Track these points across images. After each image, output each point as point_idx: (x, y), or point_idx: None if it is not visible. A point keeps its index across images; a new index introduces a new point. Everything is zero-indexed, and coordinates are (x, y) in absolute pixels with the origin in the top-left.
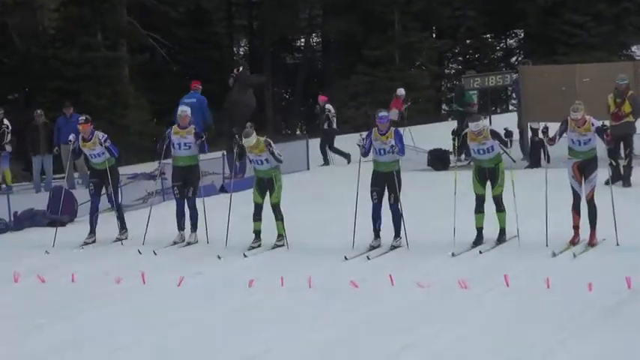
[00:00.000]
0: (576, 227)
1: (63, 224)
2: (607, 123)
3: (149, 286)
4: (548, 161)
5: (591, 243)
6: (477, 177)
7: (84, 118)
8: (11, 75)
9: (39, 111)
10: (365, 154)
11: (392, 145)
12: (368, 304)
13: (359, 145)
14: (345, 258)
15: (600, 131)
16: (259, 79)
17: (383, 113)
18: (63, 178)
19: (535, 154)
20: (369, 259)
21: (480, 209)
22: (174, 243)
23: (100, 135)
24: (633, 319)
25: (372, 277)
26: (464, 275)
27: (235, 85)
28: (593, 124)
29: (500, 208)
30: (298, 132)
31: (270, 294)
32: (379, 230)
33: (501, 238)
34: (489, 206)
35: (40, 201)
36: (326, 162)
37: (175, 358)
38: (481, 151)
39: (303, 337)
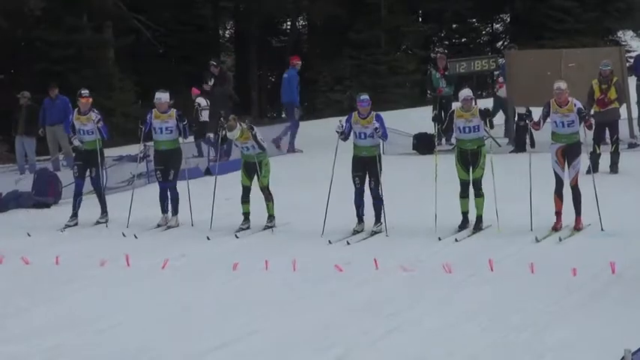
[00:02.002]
0: (558, 213)
1: (48, 206)
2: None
3: (133, 268)
4: (533, 146)
5: (577, 227)
6: (459, 162)
7: (87, 91)
8: None
9: (25, 92)
10: (345, 138)
11: (375, 128)
12: (352, 288)
13: (337, 132)
14: (329, 242)
15: (581, 113)
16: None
17: (364, 96)
18: (48, 159)
19: (520, 138)
20: (348, 243)
21: (464, 194)
22: (158, 226)
23: (94, 115)
24: (617, 303)
25: (357, 261)
26: (448, 260)
27: (217, 81)
28: (575, 105)
29: (479, 193)
30: (283, 115)
31: (255, 277)
32: (362, 215)
33: (478, 225)
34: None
35: (25, 182)
36: (200, 154)
37: (159, 340)
38: (467, 129)
39: (286, 320)
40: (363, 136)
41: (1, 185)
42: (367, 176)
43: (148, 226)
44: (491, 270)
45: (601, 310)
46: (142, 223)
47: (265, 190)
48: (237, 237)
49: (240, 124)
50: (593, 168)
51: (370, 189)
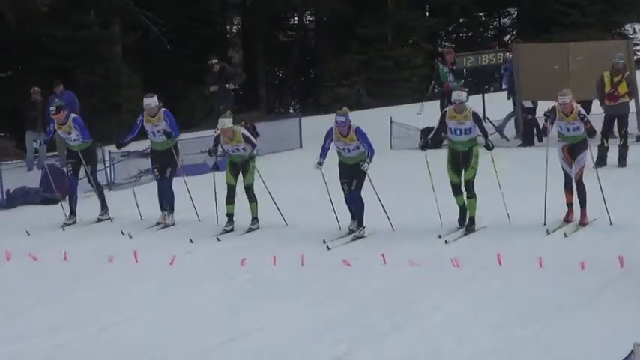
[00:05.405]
0: (570, 204)
1: (55, 202)
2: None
3: (141, 264)
4: (540, 140)
5: (582, 222)
6: (450, 164)
7: (54, 108)
8: (4, 53)
9: (36, 88)
10: (323, 155)
11: (364, 159)
12: (360, 283)
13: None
14: (324, 241)
15: (583, 119)
16: (239, 78)
17: (340, 118)
18: (56, 156)
19: (528, 132)
20: (329, 248)
21: (456, 193)
22: (157, 224)
23: (74, 125)
24: (625, 297)
25: (364, 256)
26: (456, 254)
27: (216, 77)
28: (580, 112)
29: (471, 195)
30: (291, 110)
31: (263, 272)
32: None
33: (470, 227)
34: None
35: (32, 179)
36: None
37: (169, 336)
38: (458, 132)
39: (294, 315)
40: (347, 151)
41: (9, 182)
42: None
43: (154, 222)
44: (500, 264)
45: (610, 304)
46: (151, 219)
47: (249, 191)
48: (219, 240)
49: (234, 127)
50: (601, 161)
51: (351, 190)
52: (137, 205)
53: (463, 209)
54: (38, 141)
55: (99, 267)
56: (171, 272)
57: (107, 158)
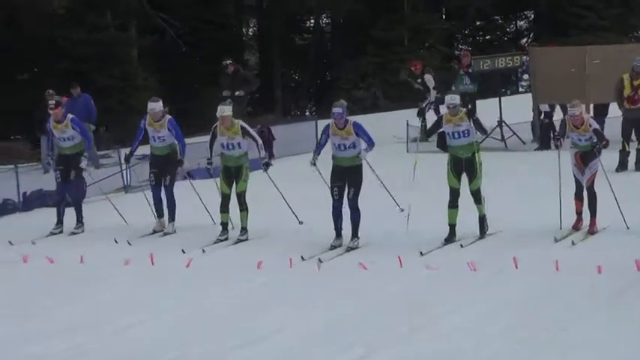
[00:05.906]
0: (579, 213)
1: (70, 205)
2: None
3: (157, 267)
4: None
5: (591, 231)
6: (452, 169)
7: (53, 102)
8: (20, 55)
9: (50, 91)
10: (318, 151)
11: (360, 147)
12: (376, 286)
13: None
14: (302, 258)
15: (598, 134)
16: (252, 85)
17: (337, 109)
18: None
19: (544, 136)
20: (321, 261)
21: (453, 204)
22: (154, 232)
23: (73, 126)
24: None
25: (381, 259)
26: (472, 258)
27: (230, 79)
28: (590, 125)
29: (478, 200)
30: (307, 113)
31: (279, 276)
32: (341, 229)
33: (482, 226)
34: (463, 200)
35: (49, 181)
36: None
37: (185, 338)
38: (456, 135)
39: (312, 317)
40: (342, 148)
41: (25, 184)
42: (346, 186)
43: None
44: (516, 267)
45: (627, 308)
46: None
47: (241, 198)
48: (204, 251)
49: (233, 119)
50: (622, 165)
51: (348, 199)
52: (151, 208)
53: (452, 228)
54: (48, 158)
55: (115, 269)
56: (187, 275)
57: (123, 161)
